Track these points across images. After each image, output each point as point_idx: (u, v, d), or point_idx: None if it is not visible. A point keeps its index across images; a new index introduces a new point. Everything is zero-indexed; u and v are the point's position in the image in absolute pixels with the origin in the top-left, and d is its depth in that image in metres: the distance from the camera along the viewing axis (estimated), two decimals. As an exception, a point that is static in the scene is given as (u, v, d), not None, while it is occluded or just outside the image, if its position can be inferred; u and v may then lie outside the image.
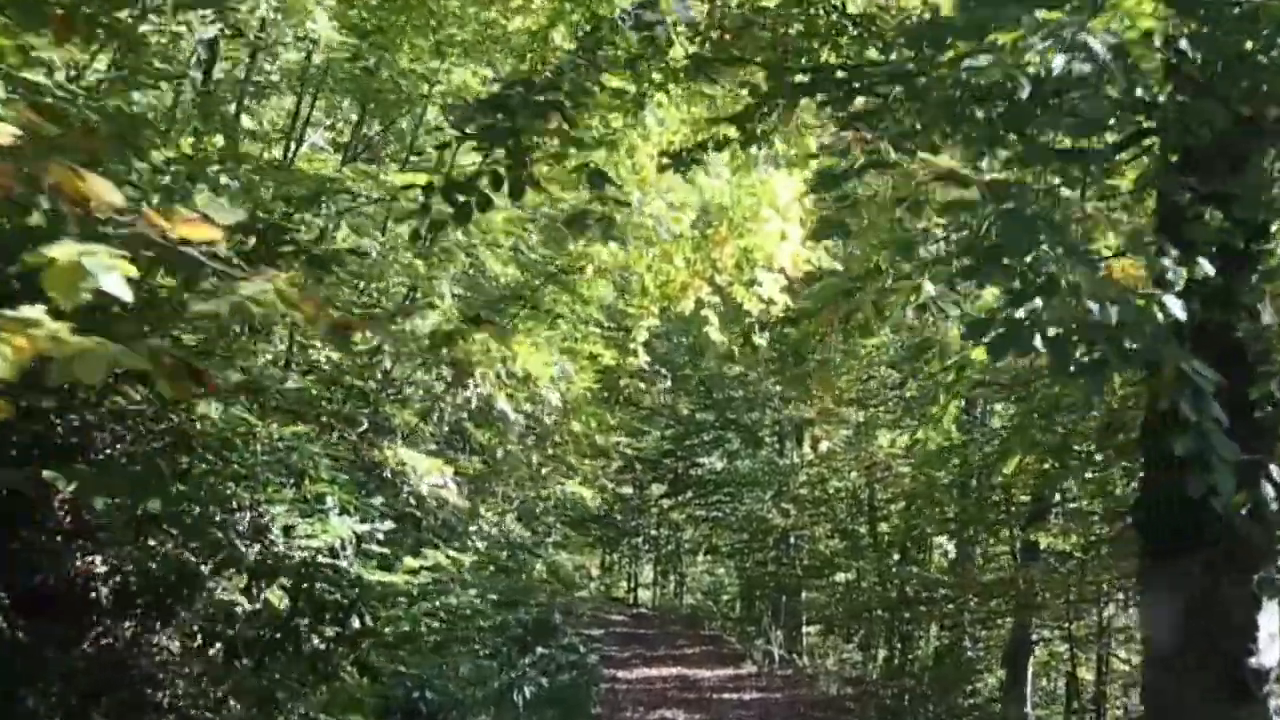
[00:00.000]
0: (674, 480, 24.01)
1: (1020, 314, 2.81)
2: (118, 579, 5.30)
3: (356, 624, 6.29)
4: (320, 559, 6.35)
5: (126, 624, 5.26)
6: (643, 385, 13.42)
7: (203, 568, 5.44)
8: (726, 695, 14.55)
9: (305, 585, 6.18)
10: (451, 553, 7.74)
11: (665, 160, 4.70)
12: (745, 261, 7.80)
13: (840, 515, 19.03)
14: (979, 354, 4.62)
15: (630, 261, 8.57)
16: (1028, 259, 2.79)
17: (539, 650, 15.50)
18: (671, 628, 22.67)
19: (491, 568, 14.45)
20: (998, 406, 14.67)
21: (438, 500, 8.48)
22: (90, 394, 5.03)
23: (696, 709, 13.44)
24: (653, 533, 28.31)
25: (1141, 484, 4.70)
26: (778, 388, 21.13)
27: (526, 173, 3.92)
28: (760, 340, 7.57)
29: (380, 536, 7.44)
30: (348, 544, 7.31)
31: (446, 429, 13.82)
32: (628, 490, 25.53)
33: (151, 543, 5.38)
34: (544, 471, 10.42)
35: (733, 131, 4.45)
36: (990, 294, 4.55)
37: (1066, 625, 14.29)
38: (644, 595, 29.57)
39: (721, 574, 26.70)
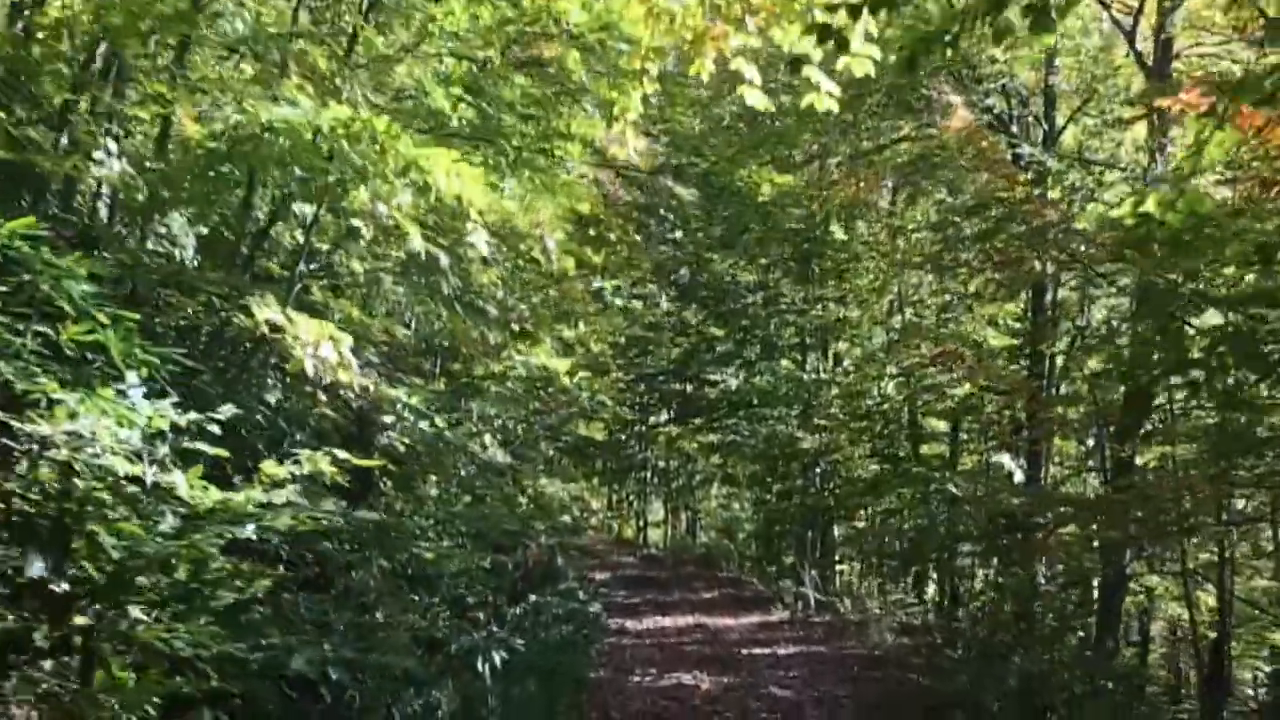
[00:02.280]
0: (683, 401, 21.05)
1: None
2: None
3: (65, 585, 3.43)
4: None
5: None
6: (637, 238, 10.47)
7: None
8: (757, 650, 11.77)
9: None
10: (341, 454, 4.91)
11: None
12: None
13: (882, 429, 16.16)
14: None
15: (615, 7, 5.63)
16: None
17: (531, 599, 12.98)
18: (685, 570, 20.01)
19: (467, 498, 11.86)
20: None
21: (331, 380, 5.62)
22: None
23: (722, 669, 10.65)
24: (660, 464, 25.44)
25: None
26: (799, 291, 18.20)
27: None
28: (827, 98, 4.65)
29: (216, 430, 4.60)
30: (161, 442, 4.48)
31: (412, 332, 10.96)
32: (631, 415, 22.81)
33: None
34: (501, 346, 7.55)
35: None
36: None
37: (1180, 556, 11.41)
38: (654, 536, 26.82)
39: (737, 509, 23.96)
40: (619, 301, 7.58)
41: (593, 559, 19.24)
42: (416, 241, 5.75)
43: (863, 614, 13.83)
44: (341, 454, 4.94)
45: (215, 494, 4.39)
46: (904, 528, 14.71)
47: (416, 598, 9.22)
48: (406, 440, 7.03)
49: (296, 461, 4.80)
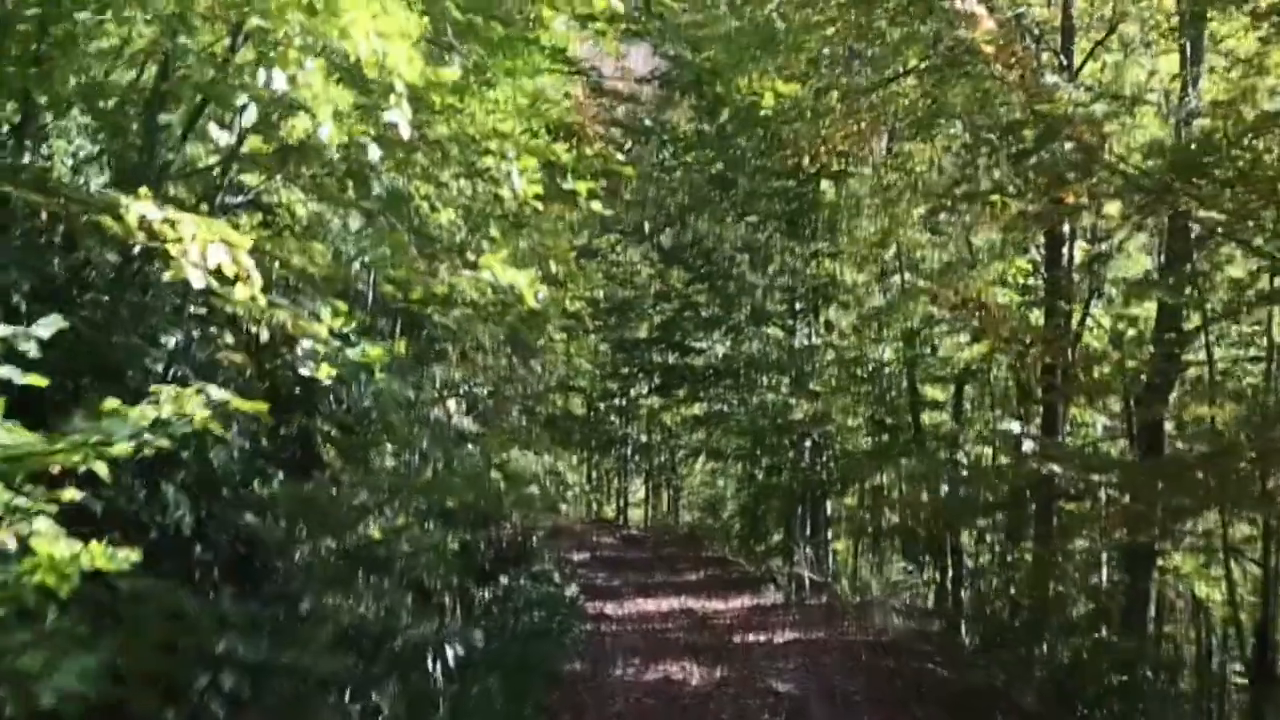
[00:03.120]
0: (666, 372, 19.77)
1: None
2: None
3: None
4: None
5: None
6: (621, 157, 9.19)
7: None
8: (751, 637, 10.59)
9: None
10: (219, 393, 3.63)
11: None
12: None
13: (880, 396, 14.99)
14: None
15: None
16: None
17: (502, 581, 11.84)
18: (668, 550, 18.83)
19: (428, 472, 10.64)
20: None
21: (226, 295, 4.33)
22: None
23: (715, 660, 9.44)
24: (642, 439, 24.22)
25: None
26: (791, 244, 16.93)
27: None
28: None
29: (32, 351, 3.32)
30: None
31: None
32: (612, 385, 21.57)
33: None
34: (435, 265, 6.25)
35: None
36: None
37: (1221, 530, 10.27)
38: (635, 515, 25.62)
39: (722, 486, 22.78)
40: (596, 207, 6.43)
41: (570, 539, 18.11)
42: (327, 128, 4.46)
43: (863, 595, 12.67)
44: (220, 393, 3.65)
45: (26, 435, 3.13)
46: (922, 498, 13.49)
47: (376, 578, 8.03)
48: (328, 366, 5.64)
49: (154, 401, 3.51)
